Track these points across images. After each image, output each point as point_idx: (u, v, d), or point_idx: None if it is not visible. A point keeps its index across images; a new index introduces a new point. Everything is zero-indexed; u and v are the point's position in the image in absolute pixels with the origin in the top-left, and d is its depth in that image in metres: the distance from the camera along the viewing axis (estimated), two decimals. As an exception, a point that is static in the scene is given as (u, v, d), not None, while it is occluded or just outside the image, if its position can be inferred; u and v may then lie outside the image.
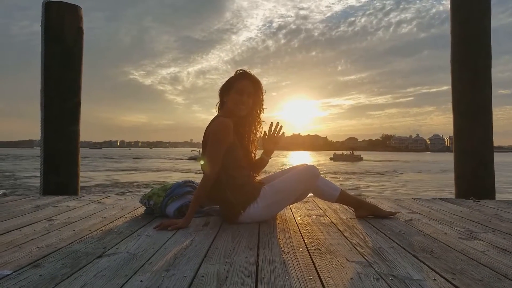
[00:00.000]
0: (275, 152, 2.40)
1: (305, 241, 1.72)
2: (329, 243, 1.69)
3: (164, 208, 2.22)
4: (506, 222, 2.18)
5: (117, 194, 3.20)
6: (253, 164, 2.26)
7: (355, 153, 62.20)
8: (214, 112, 2.22)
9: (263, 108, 2.21)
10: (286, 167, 2.40)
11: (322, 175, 2.26)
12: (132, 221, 2.15)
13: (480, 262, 1.41)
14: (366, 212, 2.29)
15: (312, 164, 2.26)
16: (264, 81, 2.24)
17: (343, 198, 2.30)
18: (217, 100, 2.21)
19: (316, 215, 2.38)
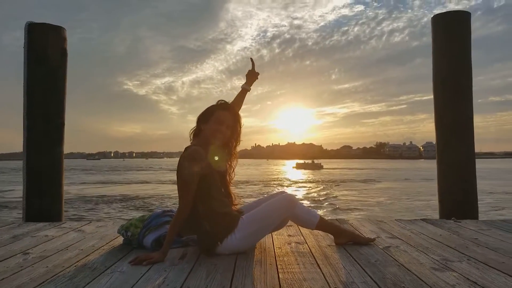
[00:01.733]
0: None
1: (280, 276, 1.72)
2: (303, 277, 1.69)
3: (142, 240, 2.21)
4: (483, 247, 2.20)
5: (98, 220, 3.16)
6: (231, 194, 2.25)
7: (316, 161, 68.99)
8: None
9: (239, 141, 2.23)
10: (265, 195, 2.40)
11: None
12: (109, 253, 2.13)
13: (448, 299, 1.41)
14: (345, 239, 2.29)
15: (289, 193, 2.26)
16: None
17: (322, 225, 2.29)
18: None
19: (296, 242, 2.38)
